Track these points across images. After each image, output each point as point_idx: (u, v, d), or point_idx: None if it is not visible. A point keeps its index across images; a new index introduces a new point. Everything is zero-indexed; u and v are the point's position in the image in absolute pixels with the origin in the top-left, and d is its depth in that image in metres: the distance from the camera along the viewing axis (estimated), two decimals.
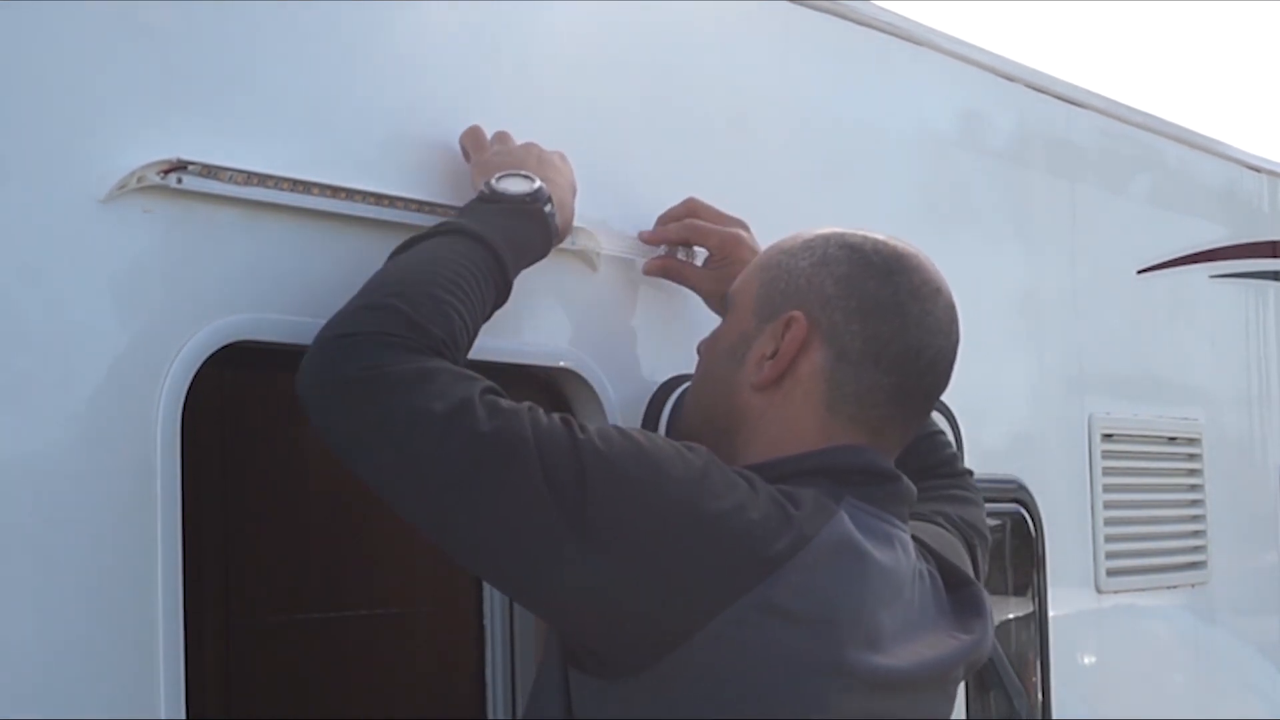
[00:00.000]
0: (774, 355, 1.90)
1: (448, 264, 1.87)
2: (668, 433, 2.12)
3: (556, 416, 1.76)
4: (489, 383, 1.77)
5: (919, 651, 1.82)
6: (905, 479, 1.91)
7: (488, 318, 1.93)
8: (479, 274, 1.89)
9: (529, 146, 2.13)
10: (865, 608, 1.76)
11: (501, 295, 1.95)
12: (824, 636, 1.73)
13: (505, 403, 1.74)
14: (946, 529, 2.14)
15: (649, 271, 2.40)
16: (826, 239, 1.95)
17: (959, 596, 1.96)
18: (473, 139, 2.16)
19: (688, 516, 1.71)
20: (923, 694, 1.85)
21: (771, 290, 1.94)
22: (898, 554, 1.84)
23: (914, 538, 1.94)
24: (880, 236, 1.96)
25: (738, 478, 1.78)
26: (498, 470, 1.69)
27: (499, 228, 1.96)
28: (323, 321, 1.96)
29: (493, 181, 2.02)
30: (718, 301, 2.34)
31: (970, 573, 2.05)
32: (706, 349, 2.04)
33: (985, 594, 2.00)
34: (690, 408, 2.07)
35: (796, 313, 1.90)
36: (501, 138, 2.16)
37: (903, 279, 1.91)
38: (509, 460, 1.69)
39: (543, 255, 2.05)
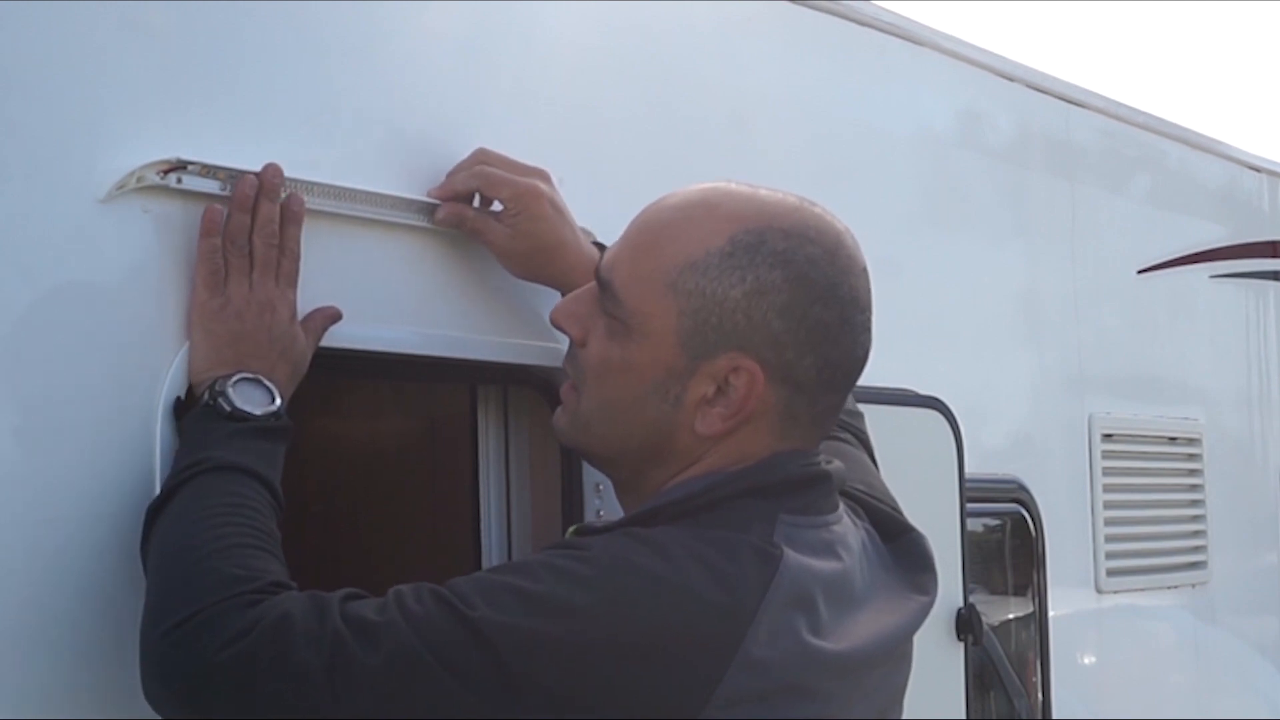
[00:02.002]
0: (716, 397, 1.72)
1: (231, 508, 1.71)
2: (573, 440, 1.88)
3: (428, 595, 1.60)
4: (341, 593, 1.62)
5: (875, 626, 1.75)
6: (833, 470, 1.79)
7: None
8: (261, 506, 1.74)
9: (261, 310, 1.85)
10: (825, 647, 1.67)
11: (279, 516, 1.78)
12: (801, 695, 1.65)
13: (371, 614, 1.58)
14: (849, 442, 2.06)
15: (441, 221, 2.11)
16: (751, 251, 1.71)
17: (899, 546, 1.87)
18: (207, 273, 1.84)
19: (617, 650, 1.57)
20: (878, 669, 1.78)
21: (701, 324, 1.71)
22: (840, 556, 1.74)
23: (843, 494, 1.83)
24: (796, 220, 1.74)
25: (648, 557, 1.61)
26: (403, 698, 1.55)
27: (252, 452, 1.78)
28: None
29: (230, 393, 1.80)
30: (514, 261, 2.14)
31: (902, 516, 1.93)
32: (613, 370, 1.77)
33: (925, 539, 1.90)
34: (601, 435, 1.80)
35: (749, 362, 1.71)
36: (217, 283, 1.85)
37: (844, 288, 1.73)
38: (410, 682, 1.55)
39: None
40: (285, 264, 1.90)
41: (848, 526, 1.80)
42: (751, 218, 1.74)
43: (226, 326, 1.85)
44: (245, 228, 1.87)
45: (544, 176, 2.15)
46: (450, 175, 2.14)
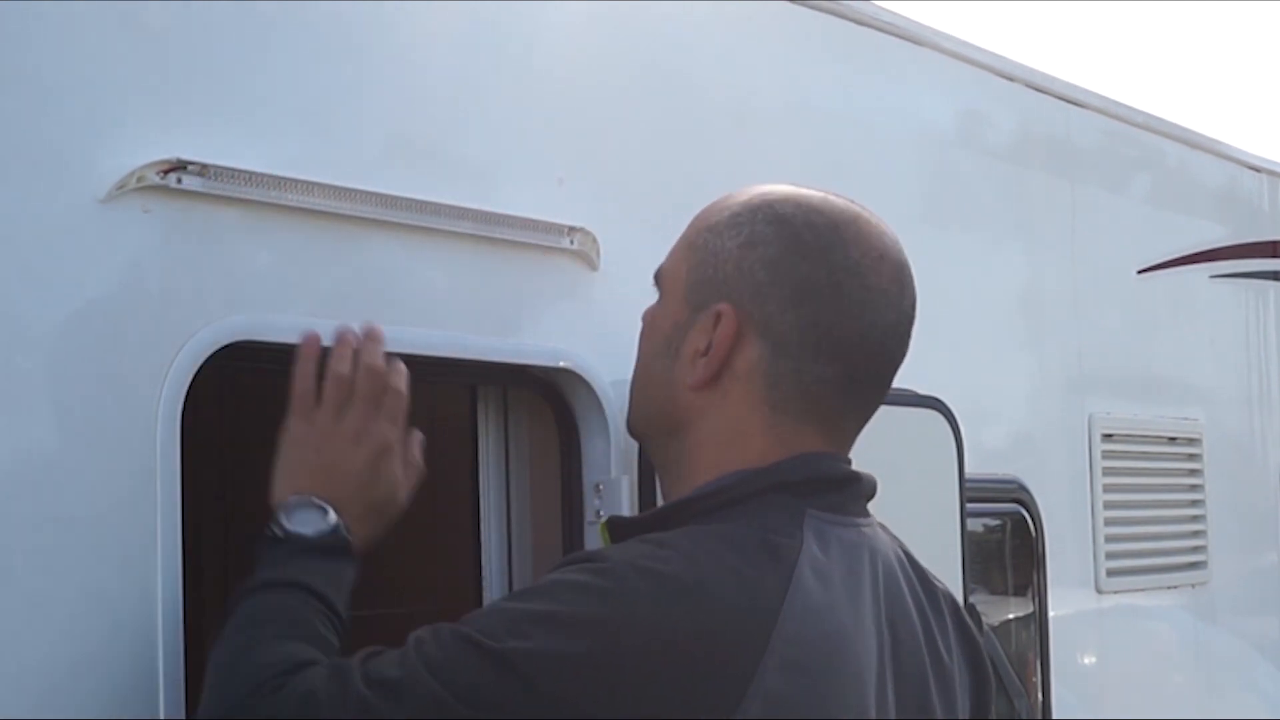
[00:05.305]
0: (707, 351, 1.74)
1: (267, 613, 1.73)
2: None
3: (448, 636, 1.61)
4: (360, 655, 1.64)
5: (906, 633, 1.75)
6: (864, 475, 1.79)
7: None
8: (297, 606, 1.75)
9: (345, 443, 1.88)
10: (855, 643, 1.66)
11: (337, 622, 1.79)
12: (832, 692, 1.63)
13: (392, 671, 1.59)
14: None
15: None
16: (755, 211, 1.76)
17: (928, 588, 1.84)
18: (298, 398, 1.88)
19: (645, 659, 1.56)
20: (910, 683, 1.75)
21: (700, 275, 1.77)
22: (869, 557, 1.74)
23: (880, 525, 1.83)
24: (815, 198, 1.78)
25: (667, 562, 1.60)
26: None
27: (306, 569, 1.79)
28: (324, 320, 1.97)
29: (282, 518, 1.81)
30: None
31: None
32: (644, 333, 1.85)
33: (954, 595, 1.89)
34: (633, 406, 1.87)
35: (725, 305, 1.73)
36: (306, 409, 1.88)
37: (838, 255, 1.73)
38: None
39: (356, 571, 1.86)
40: (388, 400, 1.91)
41: (879, 534, 1.80)
42: (773, 193, 1.79)
43: (301, 454, 1.87)
44: (346, 359, 1.89)
45: None
46: None
